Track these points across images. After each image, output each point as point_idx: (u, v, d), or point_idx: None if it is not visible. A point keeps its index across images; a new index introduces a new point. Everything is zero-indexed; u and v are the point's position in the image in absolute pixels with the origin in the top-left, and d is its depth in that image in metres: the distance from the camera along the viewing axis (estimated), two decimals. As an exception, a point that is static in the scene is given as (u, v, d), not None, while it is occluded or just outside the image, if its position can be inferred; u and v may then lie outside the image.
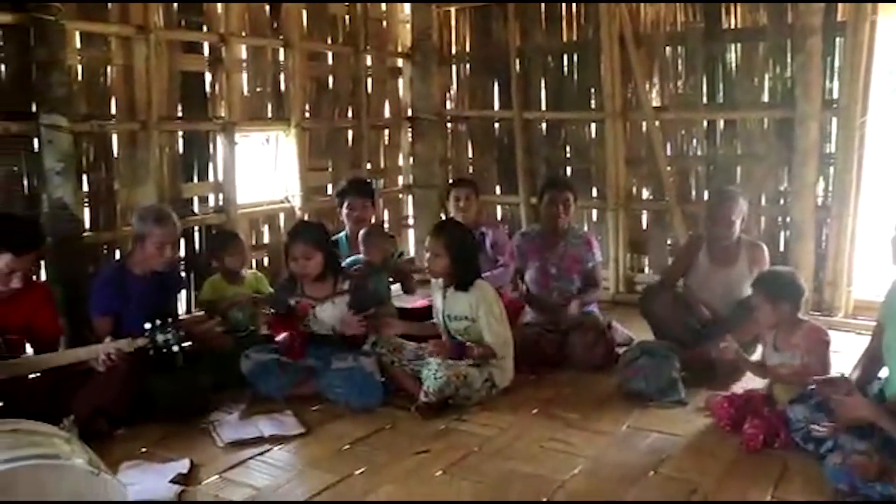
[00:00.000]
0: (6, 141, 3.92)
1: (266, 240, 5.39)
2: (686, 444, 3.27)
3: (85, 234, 4.22)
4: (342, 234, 4.74)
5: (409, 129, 6.50)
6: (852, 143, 4.87)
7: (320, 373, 3.78)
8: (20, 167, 4.00)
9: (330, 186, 5.67)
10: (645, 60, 5.55)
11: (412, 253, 6.22)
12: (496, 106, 6.30)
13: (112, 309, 3.60)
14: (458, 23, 6.39)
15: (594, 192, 5.90)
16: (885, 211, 5.77)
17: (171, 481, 2.90)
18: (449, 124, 6.57)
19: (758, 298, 3.40)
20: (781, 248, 5.19)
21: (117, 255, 4.36)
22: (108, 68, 4.39)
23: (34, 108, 3.94)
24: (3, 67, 3.93)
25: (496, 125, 6.34)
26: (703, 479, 2.94)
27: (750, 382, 3.64)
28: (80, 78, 4.23)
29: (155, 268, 3.69)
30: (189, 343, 3.37)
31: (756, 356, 3.65)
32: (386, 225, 6.11)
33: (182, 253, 4.59)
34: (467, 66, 6.43)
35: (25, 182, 4.02)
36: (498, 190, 6.38)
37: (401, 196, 6.56)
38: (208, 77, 4.90)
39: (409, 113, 6.48)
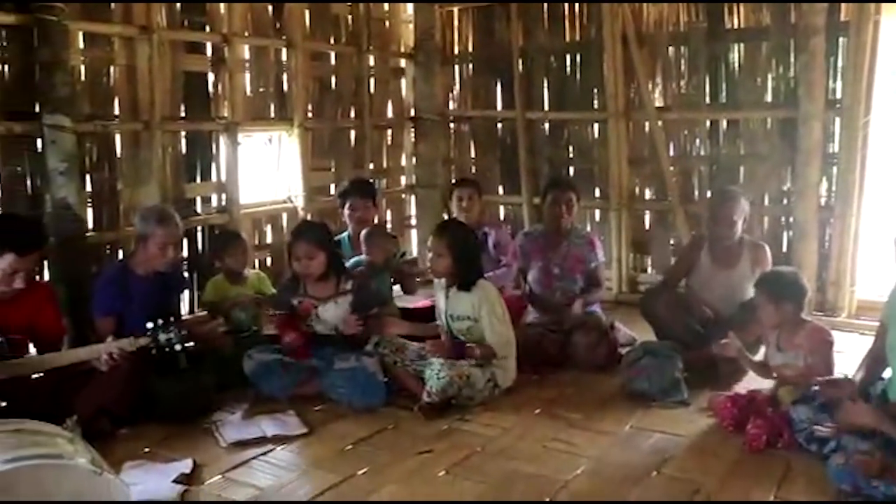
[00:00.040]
0: (10, 141, 3.93)
1: (269, 240, 5.39)
2: (689, 444, 3.27)
3: (88, 234, 4.23)
4: (344, 234, 4.73)
5: (412, 129, 6.49)
6: (856, 142, 4.86)
7: (323, 373, 3.78)
8: (23, 167, 4.00)
9: (332, 186, 5.67)
10: (648, 60, 5.54)
11: (415, 253, 6.22)
12: (499, 106, 6.29)
13: (115, 309, 3.61)
14: (460, 23, 6.38)
15: (597, 192, 5.89)
16: (889, 211, 5.77)
17: (174, 481, 2.90)
18: (452, 124, 6.56)
19: (761, 299, 3.40)
20: (784, 248, 5.18)
21: (120, 255, 4.36)
22: (112, 68, 4.39)
23: (37, 109, 3.94)
24: (6, 68, 3.94)
25: (499, 125, 6.33)
26: (706, 479, 2.93)
27: (753, 383, 3.63)
28: (83, 78, 4.23)
29: (157, 268, 3.69)
30: (192, 343, 3.38)
31: (759, 356, 3.65)
32: (388, 225, 6.10)
33: (185, 253, 4.60)
34: (470, 66, 6.41)
35: (29, 182, 4.03)
36: (501, 190, 6.37)
37: (403, 196, 6.56)
38: (211, 77, 4.90)
39: (412, 113, 6.47)
